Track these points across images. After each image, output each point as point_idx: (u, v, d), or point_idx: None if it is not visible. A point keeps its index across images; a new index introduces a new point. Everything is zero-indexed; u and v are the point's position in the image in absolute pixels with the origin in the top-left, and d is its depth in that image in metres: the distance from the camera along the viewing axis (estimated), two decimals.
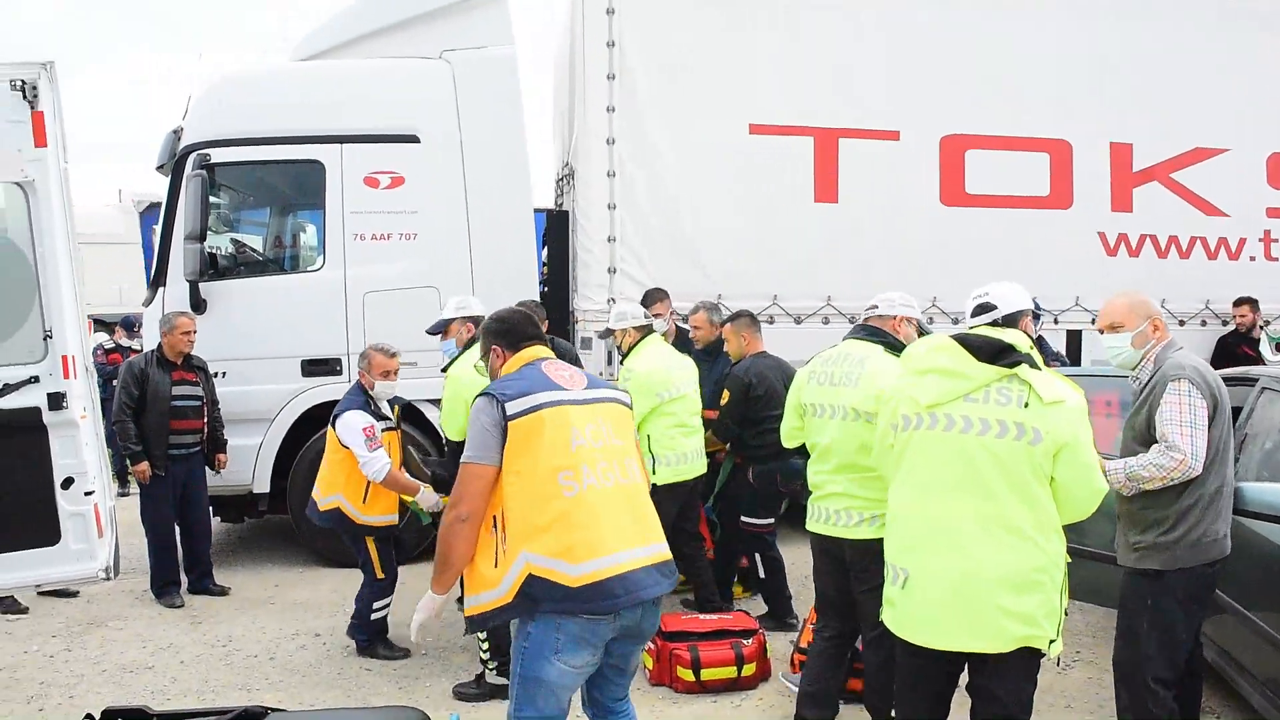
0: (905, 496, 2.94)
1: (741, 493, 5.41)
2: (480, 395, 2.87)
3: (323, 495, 5.01)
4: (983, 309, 3.28)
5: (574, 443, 2.79)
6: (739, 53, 6.86)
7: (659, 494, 4.02)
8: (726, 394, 5.33)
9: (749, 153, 6.89)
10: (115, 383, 8.20)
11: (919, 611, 2.85)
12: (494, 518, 2.78)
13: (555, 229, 7.51)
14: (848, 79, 7.00)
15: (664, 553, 2.89)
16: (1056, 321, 7.31)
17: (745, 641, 4.63)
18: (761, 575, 5.43)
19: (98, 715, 2.61)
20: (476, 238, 6.55)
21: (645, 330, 5.35)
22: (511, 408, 2.78)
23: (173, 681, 4.73)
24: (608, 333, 5.68)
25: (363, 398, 4.94)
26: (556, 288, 7.28)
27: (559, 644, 2.71)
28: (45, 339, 4.01)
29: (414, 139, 6.49)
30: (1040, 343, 5.87)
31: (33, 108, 3.95)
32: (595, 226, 6.82)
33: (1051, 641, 2.77)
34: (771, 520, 5.42)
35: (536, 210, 7.27)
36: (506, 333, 3.11)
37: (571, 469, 2.76)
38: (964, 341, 2.90)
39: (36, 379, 4.01)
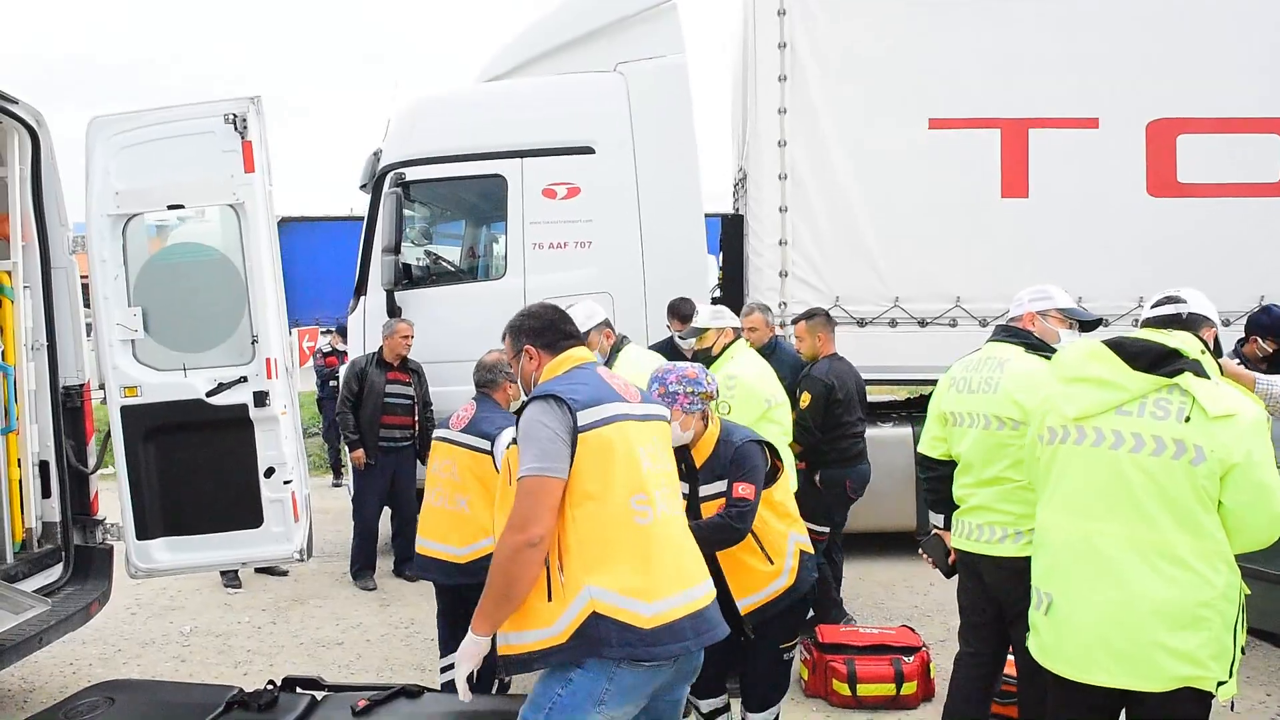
0: (1050, 516, 2.71)
1: (805, 499, 5.05)
2: (539, 397, 2.47)
3: (468, 540, 3.99)
4: (1167, 300, 2.88)
5: (644, 464, 2.48)
6: (916, 47, 6.59)
7: None
8: (807, 396, 5.13)
9: (928, 149, 6.60)
10: (333, 382, 9.08)
11: (1065, 642, 2.62)
12: None
13: (730, 233, 7.52)
14: (1037, 65, 6.53)
15: (713, 590, 2.62)
16: None
17: (906, 659, 4.46)
18: None
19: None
20: (649, 244, 6.68)
21: (737, 334, 5.09)
22: (584, 417, 2.42)
23: (358, 658, 5.15)
24: (694, 333, 5.23)
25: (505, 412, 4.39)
26: (731, 292, 7.29)
27: (605, 694, 2.36)
28: (253, 343, 4.52)
29: (589, 150, 6.70)
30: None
31: (243, 138, 4.46)
32: (767, 230, 6.76)
33: (1221, 683, 2.47)
34: (828, 529, 5.22)
35: (709, 215, 7.31)
36: (542, 330, 2.69)
37: (645, 493, 2.45)
38: (1118, 347, 2.62)
39: (245, 379, 4.52)
